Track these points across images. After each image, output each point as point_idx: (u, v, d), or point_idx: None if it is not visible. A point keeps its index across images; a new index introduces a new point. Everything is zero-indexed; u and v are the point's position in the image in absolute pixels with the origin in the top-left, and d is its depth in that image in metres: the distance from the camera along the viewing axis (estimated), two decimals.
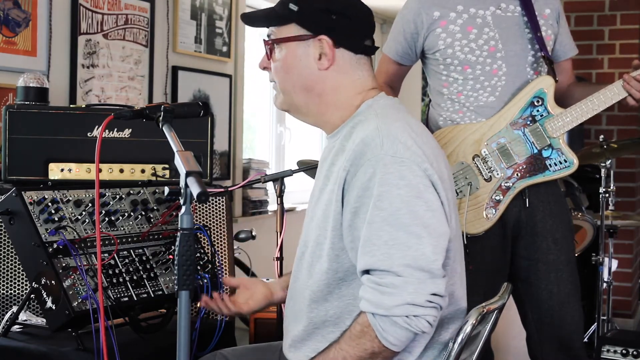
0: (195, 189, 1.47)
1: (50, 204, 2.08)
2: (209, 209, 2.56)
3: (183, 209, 1.51)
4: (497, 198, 2.45)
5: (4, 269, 2.31)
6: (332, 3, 1.75)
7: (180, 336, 1.50)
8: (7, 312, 2.19)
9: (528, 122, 2.45)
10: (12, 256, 2.31)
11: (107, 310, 1.91)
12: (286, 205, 2.64)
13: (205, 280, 2.17)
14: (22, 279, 2.31)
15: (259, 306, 1.98)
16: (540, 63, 2.53)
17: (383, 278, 1.56)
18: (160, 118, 1.72)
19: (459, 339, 1.64)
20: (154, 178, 2.46)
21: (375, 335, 1.57)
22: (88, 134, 2.46)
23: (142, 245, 2.20)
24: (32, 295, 2.05)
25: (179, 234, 1.49)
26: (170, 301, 2.18)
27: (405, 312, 1.53)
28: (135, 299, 2.08)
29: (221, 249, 2.53)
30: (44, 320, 2.08)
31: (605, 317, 3.86)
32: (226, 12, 4.29)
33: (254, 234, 2.83)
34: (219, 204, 2.57)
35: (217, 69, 4.24)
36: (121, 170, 2.48)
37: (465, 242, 2.32)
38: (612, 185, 3.78)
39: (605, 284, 3.87)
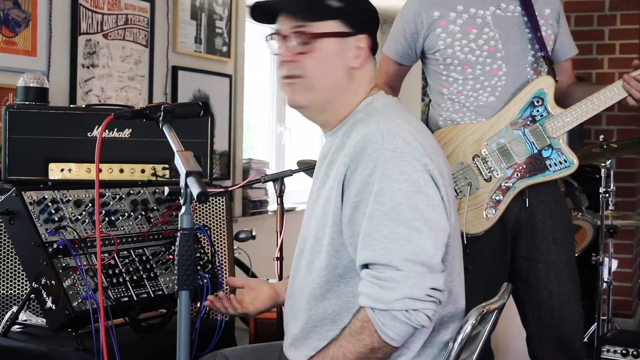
0: (195, 189, 1.47)
1: (50, 204, 2.08)
2: (209, 209, 2.56)
3: (183, 209, 1.51)
4: (497, 198, 2.45)
5: (4, 269, 2.31)
6: (368, 3, 1.80)
7: (180, 336, 1.50)
8: (7, 312, 2.19)
9: (528, 122, 2.45)
10: (12, 256, 2.31)
11: (107, 310, 1.91)
12: (286, 205, 2.63)
13: (205, 280, 2.16)
14: (22, 279, 2.31)
15: (264, 307, 1.99)
16: (540, 63, 2.53)
17: (382, 272, 1.56)
18: (160, 118, 1.72)
19: (459, 339, 1.64)
20: (154, 178, 2.46)
21: (374, 330, 1.57)
22: (88, 134, 2.46)
23: (142, 245, 2.20)
24: (32, 295, 2.05)
25: (179, 234, 1.49)
26: (170, 301, 2.18)
27: (404, 306, 1.54)
28: (135, 299, 2.08)
29: (221, 249, 2.53)
30: (44, 320, 2.08)
31: (605, 317, 3.87)
32: (226, 12, 4.29)
33: (254, 234, 2.83)
34: (219, 204, 2.57)
35: (217, 69, 4.24)
36: (121, 170, 2.48)
37: (465, 242, 2.33)
38: (612, 185, 3.78)
39: (605, 284, 3.87)
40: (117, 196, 2.23)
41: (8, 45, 3.02)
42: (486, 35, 2.46)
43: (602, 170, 3.77)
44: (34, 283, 2.00)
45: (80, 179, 2.43)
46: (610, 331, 3.84)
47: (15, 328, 2.18)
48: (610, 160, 3.77)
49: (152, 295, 2.13)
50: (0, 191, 2.19)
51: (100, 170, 2.41)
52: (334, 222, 1.67)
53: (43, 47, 3.15)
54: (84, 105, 2.65)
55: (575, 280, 2.52)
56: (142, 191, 2.30)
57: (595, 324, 3.87)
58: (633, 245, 5.19)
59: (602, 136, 3.82)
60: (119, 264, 2.10)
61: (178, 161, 1.55)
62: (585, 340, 3.41)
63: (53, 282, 1.96)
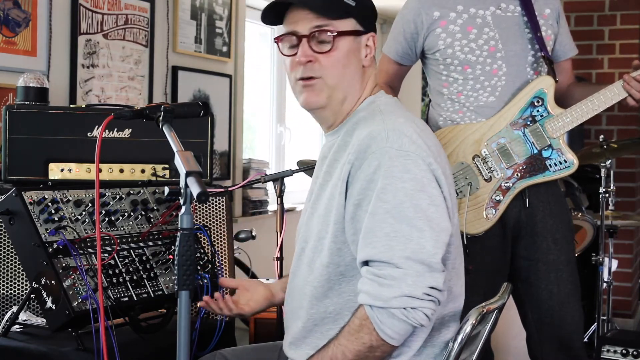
0: (195, 189, 1.47)
1: (50, 204, 2.08)
2: (209, 209, 2.56)
3: (183, 209, 1.51)
4: (497, 198, 2.45)
5: (4, 269, 2.31)
6: (372, 2, 1.81)
7: (180, 336, 1.50)
8: (7, 312, 2.19)
9: (528, 122, 2.45)
10: (12, 256, 2.31)
11: (107, 310, 1.91)
12: (286, 205, 2.64)
13: (205, 280, 2.16)
14: (22, 279, 2.31)
15: (260, 307, 1.98)
16: (540, 63, 2.53)
17: (382, 270, 1.56)
18: (160, 118, 1.72)
19: (459, 339, 1.64)
20: (154, 178, 2.46)
21: (373, 328, 1.57)
22: (88, 134, 2.46)
23: (142, 245, 2.20)
24: (32, 295, 2.05)
25: (179, 234, 1.49)
26: (170, 301, 2.18)
27: (403, 304, 1.54)
28: (135, 299, 2.08)
29: (221, 249, 2.53)
30: (44, 320, 2.08)
31: (605, 317, 3.86)
32: (226, 12, 4.29)
33: (254, 234, 2.83)
34: (219, 204, 2.57)
35: (217, 69, 4.24)
36: (121, 170, 2.48)
37: (465, 243, 2.33)
38: (612, 185, 3.78)
39: (605, 284, 3.86)
40: (117, 196, 2.23)
41: (8, 45, 3.02)
42: (486, 35, 2.46)
43: (602, 170, 3.77)
44: (34, 283, 2.00)
45: (80, 179, 2.43)
46: (610, 331, 3.84)
47: (15, 328, 2.18)
48: (610, 160, 3.76)
49: (152, 295, 2.13)
50: (0, 191, 2.19)
51: (100, 170, 2.41)
52: (337, 219, 1.67)
53: (43, 47, 3.15)
54: (84, 105, 2.65)
55: (575, 280, 2.52)
56: (142, 191, 2.30)
57: (595, 324, 3.87)
58: (633, 245, 5.19)
59: (602, 136, 3.82)
60: (119, 264, 2.10)
61: (178, 161, 1.55)
62: (585, 340, 3.42)
63: (53, 282, 1.96)
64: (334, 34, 1.71)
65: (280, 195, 2.56)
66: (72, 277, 1.98)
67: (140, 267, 2.14)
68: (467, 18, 2.46)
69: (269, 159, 4.87)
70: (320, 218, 1.72)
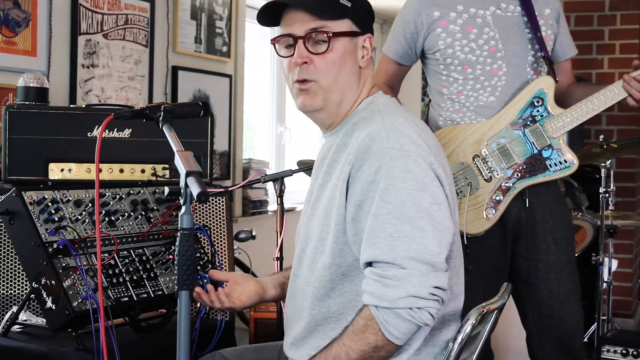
0: (195, 189, 1.47)
1: (50, 204, 2.07)
2: (209, 209, 2.56)
3: (183, 209, 1.51)
4: (497, 198, 2.45)
5: (4, 269, 2.31)
6: (368, 3, 1.81)
7: (180, 336, 1.50)
8: (7, 312, 2.19)
9: (528, 122, 2.45)
10: (12, 256, 2.31)
11: (107, 310, 1.91)
12: (286, 205, 2.63)
13: (205, 280, 2.16)
14: (22, 279, 2.31)
15: (251, 302, 1.96)
16: (540, 63, 2.53)
17: (387, 270, 1.57)
18: (160, 118, 1.72)
19: (459, 339, 1.65)
20: (154, 178, 2.46)
21: (378, 328, 1.57)
22: (88, 134, 2.46)
23: (142, 245, 2.20)
24: (32, 295, 2.05)
25: (179, 234, 1.49)
26: (170, 301, 2.18)
27: (408, 304, 1.54)
28: (135, 299, 2.08)
29: (221, 249, 2.53)
30: (44, 320, 2.08)
31: (605, 317, 3.86)
32: (226, 12, 4.29)
33: (254, 234, 2.83)
34: (219, 204, 2.57)
35: (217, 69, 4.24)
36: (121, 170, 2.48)
37: (466, 243, 2.33)
38: (612, 185, 3.78)
39: (605, 284, 3.86)
40: (117, 196, 2.23)
41: (8, 45, 3.02)
42: (486, 35, 2.46)
43: (602, 170, 3.77)
44: (34, 283, 2.00)
45: (80, 179, 2.43)
46: (610, 331, 3.84)
47: (15, 328, 2.18)
48: (610, 160, 3.76)
49: (152, 295, 2.13)
50: (0, 191, 2.19)
51: (100, 170, 2.41)
52: (338, 220, 1.67)
53: (43, 47, 3.15)
54: (84, 105, 2.64)
55: (575, 280, 2.53)
56: (142, 191, 2.30)
57: (595, 324, 3.87)
58: (633, 245, 5.19)
59: (602, 136, 3.82)
60: (119, 264, 2.10)
61: (178, 161, 1.55)
62: (585, 340, 3.42)
63: (53, 282, 1.96)
64: (330, 35, 1.72)
65: (280, 195, 2.56)
66: (72, 277, 1.98)
67: (140, 267, 2.14)
68: (467, 18, 2.46)
69: (269, 159, 4.87)
70: (321, 219, 1.72)
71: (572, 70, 2.72)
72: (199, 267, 2.23)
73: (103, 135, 2.41)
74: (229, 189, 2.62)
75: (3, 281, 2.31)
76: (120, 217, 2.20)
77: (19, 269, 2.31)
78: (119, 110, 1.80)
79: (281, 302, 2.37)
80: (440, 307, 1.59)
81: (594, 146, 3.85)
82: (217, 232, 2.54)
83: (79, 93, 3.34)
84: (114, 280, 2.05)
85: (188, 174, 1.51)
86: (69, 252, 2.00)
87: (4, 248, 2.31)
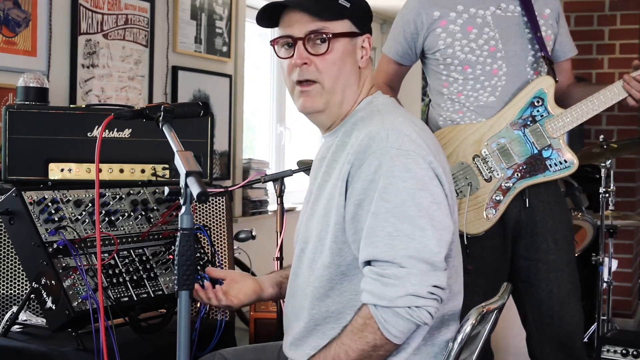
0: (195, 189, 1.47)
1: (50, 204, 2.07)
2: (209, 209, 2.56)
3: (183, 209, 1.51)
4: (498, 198, 2.45)
5: (4, 269, 2.31)
6: (367, 3, 1.82)
7: (180, 336, 1.50)
8: (7, 312, 2.19)
9: (528, 122, 2.45)
10: (12, 256, 2.31)
11: (107, 310, 1.91)
12: (286, 205, 2.64)
13: (205, 280, 2.16)
14: (22, 279, 2.31)
15: (248, 300, 1.96)
16: (540, 63, 2.53)
17: (386, 269, 1.57)
18: (160, 118, 1.72)
19: (459, 339, 1.64)
20: (154, 178, 2.46)
21: (377, 327, 1.57)
22: (88, 134, 2.46)
23: (142, 245, 2.20)
24: (32, 295, 2.05)
25: (179, 234, 1.49)
26: (170, 301, 2.18)
27: (407, 303, 1.54)
28: (135, 299, 2.08)
29: (221, 249, 2.53)
30: (44, 320, 2.08)
31: (605, 317, 3.86)
32: (226, 12, 4.29)
33: (254, 234, 2.83)
34: (219, 204, 2.57)
35: (217, 69, 4.24)
36: (121, 170, 2.48)
37: (466, 243, 2.33)
38: (612, 185, 3.78)
39: (605, 284, 3.87)
40: (117, 196, 2.23)
41: (8, 45, 3.02)
42: (486, 35, 2.46)
43: (602, 170, 3.77)
44: (34, 283, 2.00)
45: (80, 179, 2.43)
46: (610, 331, 3.84)
47: (15, 328, 2.18)
48: (610, 160, 3.77)
49: (152, 295, 2.13)
50: (0, 191, 2.19)
51: (100, 170, 2.41)
52: (337, 220, 1.67)
53: (43, 47, 3.15)
54: (84, 105, 2.65)
55: (575, 280, 2.53)
56: (142, 191, 2.30)
57: (595, 324, 3.87)
58: (633, 245, 5.19)
59: (602, 136, 3.82)
60: (119, 264, 2.10)
61: (178, 161, 1.55)
62: (585, 340, 3.42)
63: (53, 282, 1.96)
64: (329, 36, 1.72)
65: (280, 195, 2.56)
66: (72, 277, 1.98)
67: (140, 267, 2.14)
68: (467, 18, 2.46)
69: (269, 159, 4.87)
70: (320, 218, 1.72)
71: (572, 70, 2.72)
72: (199, 267, 2.23)
73: (103, 135, 2.41)
74: (229, 189, 2.62)
75: (3, 281, 2.31)
76: (120, 217, 2.20)
77: (19, 269, 2.31)
78: (119, 110, 1.80)
79: (281, 301, 2.37)
80: (439, 306, 1.59)
81: (594, 146, 3.85)
82: (217, 232, 2.54)
83: (79, 93, 3.34)
84: (114, 280, 2.05)
85: (188, 174, 1.51)
86: (69, 252, 2.00)
87: (4, 248, 2.31)
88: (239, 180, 4.29)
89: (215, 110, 4.16)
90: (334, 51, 1.73)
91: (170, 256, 2.21)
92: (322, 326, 1.72)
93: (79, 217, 2.11)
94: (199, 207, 2.54)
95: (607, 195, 3.78)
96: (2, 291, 2.31)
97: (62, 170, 2.44)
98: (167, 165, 2.49)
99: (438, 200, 1.62)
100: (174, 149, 1.60)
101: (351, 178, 1.65)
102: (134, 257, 2.15)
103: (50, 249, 1.98)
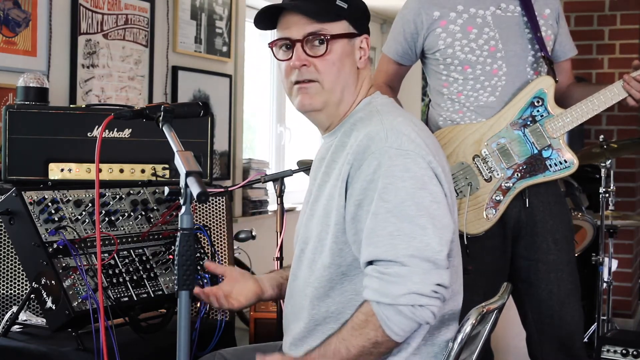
0: (195, 189, 1.47)
1: (50, 204, 2.08)
2: (209, 209, 2.56)
3: (183, 209, 1.51)
4: (498, 198, 2.45)
5: (4, 269, 2.31)
6: (364, 4, 1.82)
7: (180, 336, 1.50)
8: (7, 312, 2.19)
9: (528, 122, 2.45)
10: (12, 256, 2.31)
11: (107, 310, 1.91)
12: (286, 205, 2.64)
13: (205, 280, 2.16)
14: (22, 279, 2.31)
15: (248, 302, 1.95)
16: (540, 63, 2.53)
17: (388, 268, 1.57)
18: (160, 118, 1.72)
19: (459, 339, 1.64)
20: (154, 178, 2.46)
21: (379, 324, 1.57)
22: (88, 134, 2.46)
23: (142, 245, 2.20)
24: (32, 295, 2.05)
25: (179, 234, 1.49)
26: (170, 301, 2.18)
27: (410, 301, 1.54)
28: (135, 299, 2.08)
29: (221, 249, 2.53)
30: (44, 320, 2.08)
31: (605, 317, 3.87)
32: (226, 12, 4.29)
33: (254, 234, 2.83)
34: (219, 204, 2.57)
35: (217, 69, 4.24)
36: (121, 170, 2.48)
37: (466, 243, 2.33)
38: (612, 185, 3.78)
39: (605, 284, 3.87)
40: (117, 196, 2.23)
41: (8, 45, 3.02)
42: (486, 35, 2.46)
43: (602, 170, 3.77)
44: (34, 283, 2.00)
45: (80, 179, 2.43)
46: (610, 331, 3.84)
47: (15, 328, 2.18)
48: (610, 160, 3.77)
49: (152, 295, 2.13)
50: (0, 191, 2.19)
51: (100, 170, 2.41)
52: (337, 220, 1.67)
53: (43, 47, 3.15)
54: (84, 105, 2.65)
55: (575, 280, 2.53)
56: (142, 191, 2.30)
57: (595, 324, 3.87)
58: (633, 245, 5.19)
59: (602, 136, 3.82)
60: (119, 264, 2.10)
61: (178, 161, 1.55)
62: (585, 340, 3.42)
63: (53, 282, 1.96)
64: (327, 37, 1.72)
65: (280, 195, 2.56)
66: (72, 277, 1.98)
67: (140, 267, 2.14)
68: (467, 18, 2.46)
69: (269, 159, 4.87)
70: (320, 219, 1.72)
71: (572, 70, 2.72)
72: (199, 267, 2.23)
73: (103, 135, 2.41)
74: (229, 189, 2.62)
75: (3, 281, 2.31)
76: (120, 217, 2.20)
77: (19, 269, 2.31)
78: (119, 110, 1.80)
79: (281, 301, 2.37)
80: (442, 305, 1.59)
81: (594, 146, 3.86)
82: (217, 232, 2.54)
83: (79, 93, 3.34)
84: (114, 280, 2.05)
85: (188, 174, 1.51)
86: (69, 252, 2.00)
87: (4, 248, 2.31)
88: (239, 180, 4.29)
89: (215, 110, 4.16)
90: (333, 52, 1.73)
91: (170, 256, 2.22)
92: (322, 326, 1.72)
93: (79, 217, 2.11)
94: (199, 207, 2.54)
95: (607, 195, 3.78)
96: (2, 291, 2.31)
97: (62, 170, 2.44)
98: (167, 165, 2.49)
99: (438, 199, 1.62)
100: (174, 149, 1.60)
101: (351, 178, 1.65)
102: (134, 257, 2.15)
103: (50, 249, 1.98)
